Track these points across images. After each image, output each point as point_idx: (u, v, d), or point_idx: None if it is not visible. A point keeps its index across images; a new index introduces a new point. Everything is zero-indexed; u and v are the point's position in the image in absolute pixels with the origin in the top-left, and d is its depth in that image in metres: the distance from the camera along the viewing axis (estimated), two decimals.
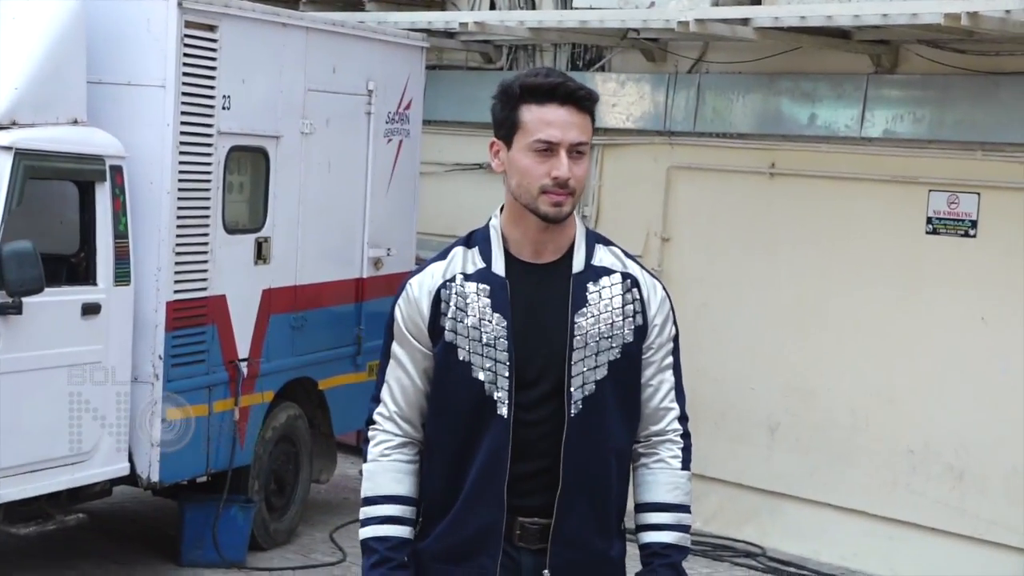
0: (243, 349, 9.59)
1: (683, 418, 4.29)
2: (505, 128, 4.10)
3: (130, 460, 8.96)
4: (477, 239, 4.20)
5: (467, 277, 4.13)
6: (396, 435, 4.21)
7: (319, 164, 10.29)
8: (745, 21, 10.56)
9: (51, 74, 8.54)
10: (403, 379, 4.18)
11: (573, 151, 4.03)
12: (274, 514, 10.25)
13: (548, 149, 4.03)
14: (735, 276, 11.69)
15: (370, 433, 4.24)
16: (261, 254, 9.76)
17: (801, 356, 11.31)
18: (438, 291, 4.13)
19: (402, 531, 4.17)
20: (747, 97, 11.71)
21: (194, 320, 9.21)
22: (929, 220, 10.65)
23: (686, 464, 4.26)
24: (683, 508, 4.22)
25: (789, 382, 11.37)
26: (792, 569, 10.74)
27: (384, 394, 4.21)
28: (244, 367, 9.55)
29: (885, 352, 10.85)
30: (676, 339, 4.27)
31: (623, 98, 12.44)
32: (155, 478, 9.03)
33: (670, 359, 4.24)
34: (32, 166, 8.33)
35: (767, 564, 10.86)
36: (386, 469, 4.21)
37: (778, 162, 11.53)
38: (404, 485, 4.20)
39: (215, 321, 9.37)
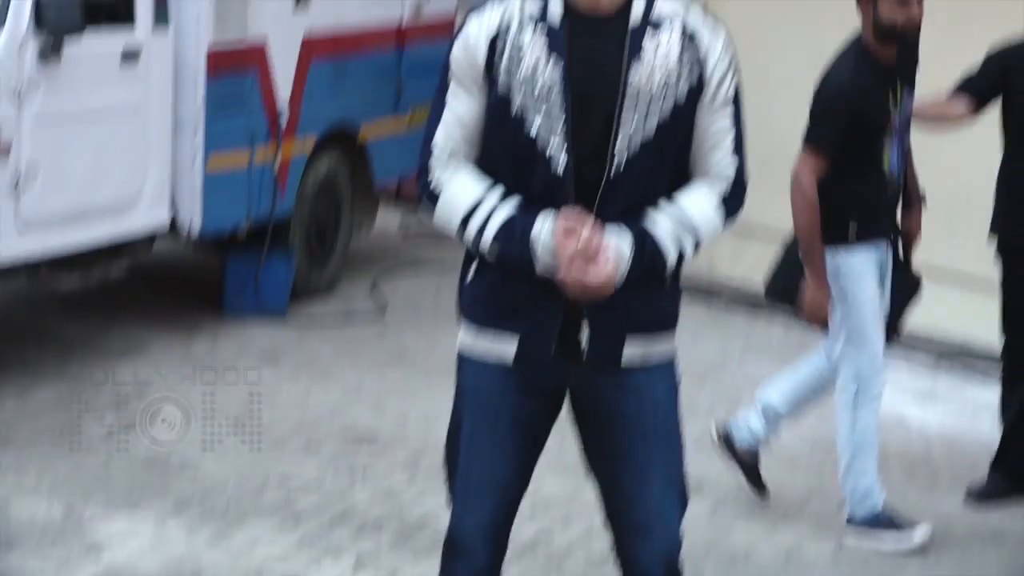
0: (283, 97, 9.46)
1: (739, 178, 4.11)
2: None
3: (172, 211, 8.91)
4: None
5: (522, 25, 4.00)
6: (458, 161, 4.08)
7: None
8: None
9: None
10: (455, 124, 4.05)
11: None
12: (315, 265, 10.22)
13: None
14: (781, 21, 11.42)
15: (430, 176, 4.08)
16: None
17: None
18: (494, 38, 4.01)
19: (516, 201, 4.02)
20: None
21: (235, 67, 9.07)
22: None
23: (726, 205, 4.08)
24: (684, 211, 4.02)
25: None
26: None
27: (438, 136, 4.07)
28: (285, 115, 9.43)
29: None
30: (737, 98, 4.09)
31: None
32: (197, 227, 8.99)
33: (727, 120, 4.06)
34: None
35: None
36: (466, 176, 4.07)
37: None
38: (489, 180, 4.07)
39: (256, 68, 9.23)
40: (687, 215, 4.03)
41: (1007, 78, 7.34)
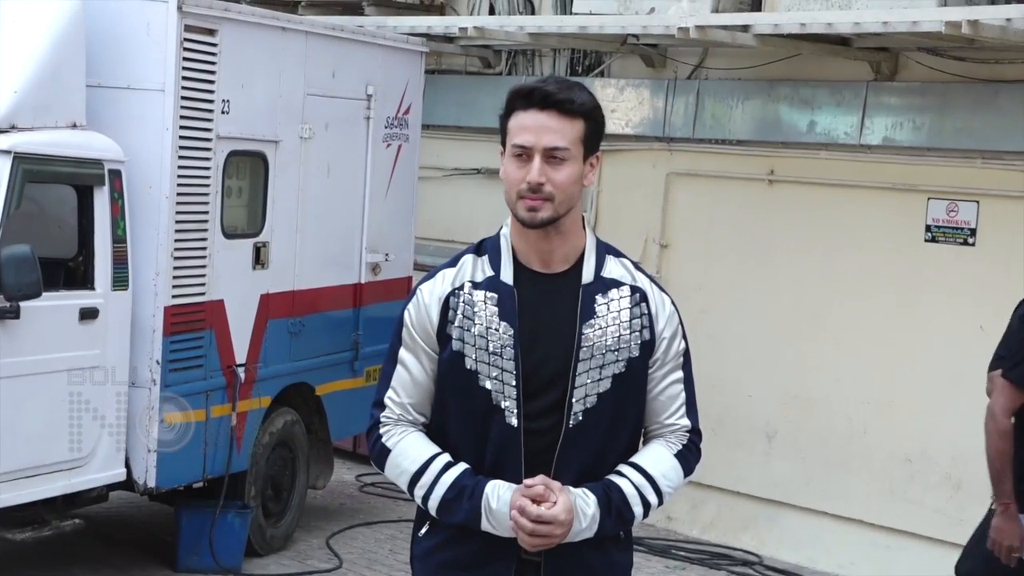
0: (241, 354, 9.59)
1: (694, 432, 4.28)
2: (502, 136, 4.15)
3: (127, 465, 8.95)
4: (487, 247, 4.22)
5: (475, 285, 4.15)
6: (409, 423, 4.20)
7: (318, 169, 10.30)
8: (745, 28, 10.59)
9: (50, 77, 8.54)
10: (408, 384, 4.19)
11: (549, 156, 4.03)
12: (271, 520, 10.24)
13: (523, 154, 4.05)
14: (733, 283, 11.71)
15: (381, 430, 4.20)
16: (259, 259, 9.77)
17: (799, 364, 11.33)
18: (447, 298, 4.15)
19: (465, 465, 4.13)
20: (746, 104, 11.74)
21: (192, 325, 9.21)
22: (928, 228, 10.67)
23: (683, 459, 4.23)
24: (647, 474, 4.16)
25: (787, 390, 11.40)
26: None
27: (389, 397, 4.20)
28: (241, 372, 9.55)
29: (883, 360, 10.86)
30: (687, 354, 4.27)
31: (622, 104, 12.46)
32: (152, 483, 9.02)
33: (679, 374, 4.23)
34: (31, 170, 8.33)
35: (764, 572, 10.87)
36: (414, 440, 4.19)
37: (777, 169, 11.56)
38: (439, 448, 4.17)
39: (213, 326, 9.37)
40: (647, 471, 4.16)
41: None
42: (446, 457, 4.15)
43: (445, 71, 13.73)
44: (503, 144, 4.14)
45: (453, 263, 4.23)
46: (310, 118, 10.16)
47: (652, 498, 4.17)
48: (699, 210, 12.04)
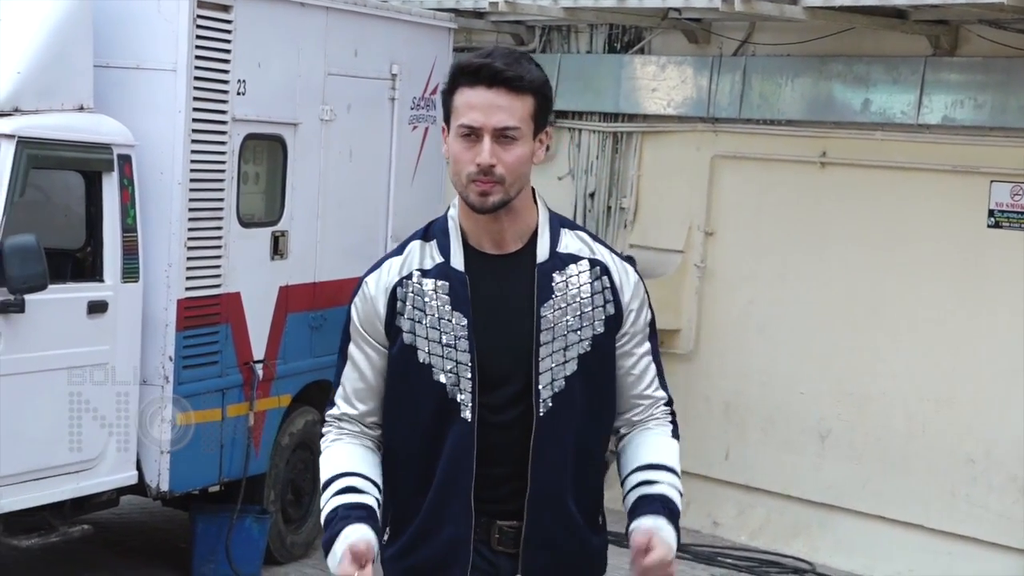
0: (258, 350, 9.65)
1: (669, 402, 4.36)
2: (445, 112, 4.15)
3: (138, 468, 9.00)
4: (435, 231, 4.21)
5: (424, 273, 4.15)
6: (350, 430, 4.24)
7: (340, 153, 10.34)
8: (794, 0, 10.57)
9: (56, 58, 8.59)
10: (357, 381, 4.22)
11: (500, 136, 4.04)
12: (291, 526, 10.29)
13: (472, 134, 4.05)
14: (783, 272, 11.70)
15: (324, 430, 4.27)
16: (278, 249, 9.82)
17: (854, 358, 11.31)
18: (394, 289, 4.14)
19: (363, 498, 4.14)
20: (796, 81, 11.72)
21: (206, 319, 9.27)
22: (991, 213, 10.65)
23: (677, 438, 4.33)
24: (673, 470, 4.25)
25: (841, 386, 11.38)
26: None
27: (339, 392, 4.25)
28: (259, 369, 9.60)
29: (944, 354, 10.85)
30: (653, 325, 4.32)
31: (663, 82, 12.47)
32: (165, 487, 9.07)
33: (647, 345, 4.29)
34: (35, 155, 8.38)
35: None
36: (337, 451, 4.23)
37: (829, 151, 11.55)
38: (362, 463, 4.20)
39: (229, 320, 9.42)
40: (671, 467, 4.25)
41: None
42: (349, 480, 4.17)
43: (475, 49, 13.75)
44: (447, 121, 4.13)
45: (399, 251, 4.23)
46: (331, 99, 10.19)
47: (681, 488, 4.27)
48: (746, 195, 12.04)
